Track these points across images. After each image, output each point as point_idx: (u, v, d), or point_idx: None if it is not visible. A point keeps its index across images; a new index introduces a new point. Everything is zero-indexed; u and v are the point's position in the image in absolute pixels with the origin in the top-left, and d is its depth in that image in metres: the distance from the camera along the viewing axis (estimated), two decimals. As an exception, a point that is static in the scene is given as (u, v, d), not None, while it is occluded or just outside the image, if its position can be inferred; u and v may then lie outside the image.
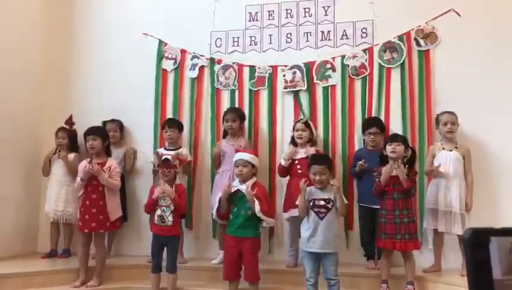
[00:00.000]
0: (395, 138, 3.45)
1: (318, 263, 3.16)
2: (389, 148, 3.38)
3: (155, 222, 3.44)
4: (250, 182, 3.33)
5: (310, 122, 3.99)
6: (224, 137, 4.17)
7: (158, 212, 3.41)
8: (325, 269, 3.14)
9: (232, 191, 3.34)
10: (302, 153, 3.89)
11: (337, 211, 3.20)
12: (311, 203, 3.16)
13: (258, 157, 3.96)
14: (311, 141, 3.94)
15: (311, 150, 3.85)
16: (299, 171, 3.83)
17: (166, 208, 3.40)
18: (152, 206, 3.47)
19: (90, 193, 3.63)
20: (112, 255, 4.21)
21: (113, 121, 4.38)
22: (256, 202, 3.21)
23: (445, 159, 3.61)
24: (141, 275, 3.66)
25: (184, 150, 4.13)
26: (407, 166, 3.30)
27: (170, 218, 3.40)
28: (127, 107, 4.48)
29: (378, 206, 3.44)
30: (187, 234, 4.19)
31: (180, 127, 4.23)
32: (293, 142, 3.98)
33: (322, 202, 3.15)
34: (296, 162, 3.87)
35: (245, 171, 3.32)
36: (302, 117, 4.08)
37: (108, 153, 3.84)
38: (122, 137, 4.46)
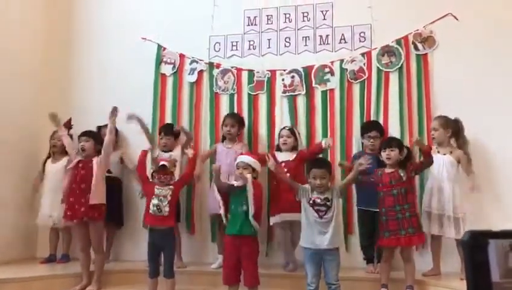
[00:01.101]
0: (389, 143, 3.44)
1: (320, 267, 3.15)
2: (383, 154, 3.40)
3: (150, 211, 3.39)
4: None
5: (295, 129, 4.01)
6: (222, 141, 4.18)
7: (155, 201, 3.37)
8: (326, 274, 3.13)
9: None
10: (287, 155, 3.89)
11: (337, 210, 3.22)
12: (310, 201, 3.17)
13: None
14: (295, 149, 3.95)
15: (296, 153, 3.89)
16: (287, 174, 3.78)
17: (164, 197, 3.39)
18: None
19: (75, 184, 3.62)
20: (110, 259, 4.20)
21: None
22: (251, 206, 3.20)
23: (439, 162, 3.61)
24: (139, 280, 3.64)
25: (178, 150, 4.11)
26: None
27: (167, 208, 3.37)
28: (126, 111, 4.46)
29: (377, 209, 3.44)
30: (186, 238, 4.18)
31: (176, 134, 4.23)
32: (278, 149, 4.00)
33: (322, 201, 3.15)
34: (283, 164, 3.84)
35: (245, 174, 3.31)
36: (286, 125, 4.09)
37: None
38: (117, 141, 4.45)
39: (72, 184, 3.66)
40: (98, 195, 3.61)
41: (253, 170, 3.35)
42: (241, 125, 4.16)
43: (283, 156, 3.91)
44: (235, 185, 3.34)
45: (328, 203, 3.14)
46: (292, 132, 3.96)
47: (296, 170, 3.78)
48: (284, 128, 4.03)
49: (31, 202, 4.37)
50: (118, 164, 4.31)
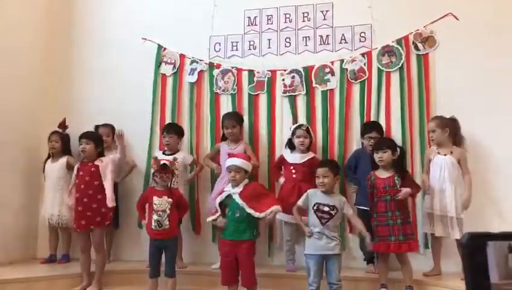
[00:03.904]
0: (380, 146, 3.44)
1: (321, 267, 3.15)
2: (376, 156, 3.40)
3: (152, 227, 3.42)
4: (242, 185, 3.33)
5: (310, 128, 4.01)
6: (224, 140, 4.17)
7: (155, 217, 3.39)
8: (329, 274, 3.13)
9: (225, 195, 3.34)
10: (298, 157, 3.90)
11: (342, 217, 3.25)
12: (314, 207, 3.16)
13: (258, 161, 4.03)
14: (309, 148, 3.98)
15: (309, 155, 3.91)
16: (294, 175, 3.86)
17: (163, 212, 3.39)
18: (142, 206, 3.53)
19: (84, 189, 3.61)
20: (111, 260, 4.21)
21: (105, 125, 4.36)
22: (251, 209, 3.19)
23: (440, 164, 3.61)
24: (140, 281, 3.65)
25: (183, 154, 4.13)
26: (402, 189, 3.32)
27: (167, 222, 3.38)
28: (126, 111, 4.48)
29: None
30: (187, 238, 4.19)
31: (179, 133, 4.22)
32: (290, 145, 3.99)
33: (326, 208, 3.14)
34: (291, 167, 3.89)
35: (238, 177, 3.32)
36: (302, 123, 4.07)
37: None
38: (114, 141, 4.44)
39: (77, 192, 3.66)
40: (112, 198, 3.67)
41: (245, 171, 3.36)
42: (241, 123, 4.15)
43: (293, 158, 3.92)
44: (226, 194, 3.34)
45: (332, 211, 3.14)
46: (308, 131, 3.95)
47: (304, 174, 3.80)
48: (300, 127, 3.96)
49: (31, 202, 4.38)
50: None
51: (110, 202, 3.62)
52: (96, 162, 3.66)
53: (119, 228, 4.33)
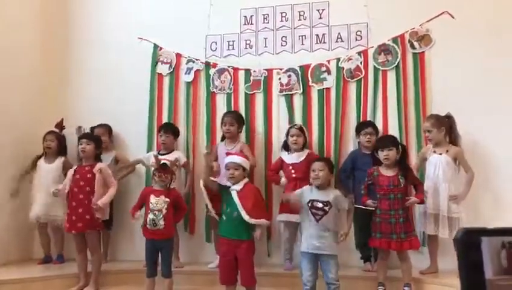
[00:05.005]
0: (386, 144, 3.43)
1: (316, 266, 3.15)
2: (381, 154, 3.39)
3: (147, 226, 3.41)
4: (242, 183, 3.33)
5: (303, 127, 4.01)
6: (222, 140, 4.16)
7: (150, 216, 3.38)
8: (325, 273, 3.13)
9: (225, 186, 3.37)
10: (295, 157, 3.90)
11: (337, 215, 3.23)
12: (309, 204, 3.16)
13: (255, 162, 3.98)
14: (304, 146, 3.97)
15: (305, 153, 3.90)
16: (293, 175, 3.85)
17: (158, 212, 3.38)
18: (137, 207, 3.51)
19: (77, 193, 3.61)
20: (108, 260, 4.20)
21: (101, 125, 4.33)
22: (243, 210, 3.21)
23: (436, 163, 3.62)
24: (137, 280, 3.64)
25: (178, 153, 4.12)
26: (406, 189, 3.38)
27: (162, 222, 3.37)
28: (124, 111, 4.47)
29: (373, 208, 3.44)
30: (183, 238, 4.18)
31: (175, 133, 4.22)
32: (286, 147, 3.99)
33: (320, 205, 3.14)
34: (290, 167, 3.89)
35: (236, 174, 3.32)
36: (295, 123, 4.08)
37: (97, 161, 3.79)
38: (111, 141, 4.42)
39: (70, 194, 3.65)
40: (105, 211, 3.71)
41: (244, 169, 3.36)
42: (240, 124, 4.13)
43: (290, 158, 3.91)
44: (231, 187, 3.34)
45: (326, 207, 3.14)
46: (301, 130, 3.95)
47: (304, 172, 3.78)
48: (293, 126, 3.98)
49: (28, 203, 4.35)
50: (112, 166, 4.18)
51: (102, 216, 3.64)
52: (94, 169, 3.64)
53: (112, 229, 4.30)
